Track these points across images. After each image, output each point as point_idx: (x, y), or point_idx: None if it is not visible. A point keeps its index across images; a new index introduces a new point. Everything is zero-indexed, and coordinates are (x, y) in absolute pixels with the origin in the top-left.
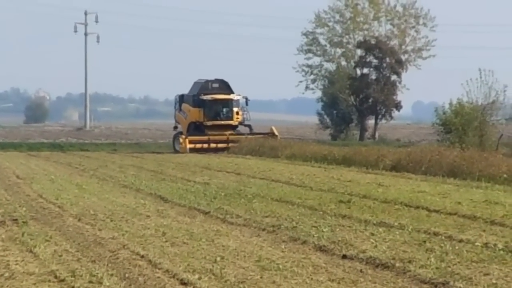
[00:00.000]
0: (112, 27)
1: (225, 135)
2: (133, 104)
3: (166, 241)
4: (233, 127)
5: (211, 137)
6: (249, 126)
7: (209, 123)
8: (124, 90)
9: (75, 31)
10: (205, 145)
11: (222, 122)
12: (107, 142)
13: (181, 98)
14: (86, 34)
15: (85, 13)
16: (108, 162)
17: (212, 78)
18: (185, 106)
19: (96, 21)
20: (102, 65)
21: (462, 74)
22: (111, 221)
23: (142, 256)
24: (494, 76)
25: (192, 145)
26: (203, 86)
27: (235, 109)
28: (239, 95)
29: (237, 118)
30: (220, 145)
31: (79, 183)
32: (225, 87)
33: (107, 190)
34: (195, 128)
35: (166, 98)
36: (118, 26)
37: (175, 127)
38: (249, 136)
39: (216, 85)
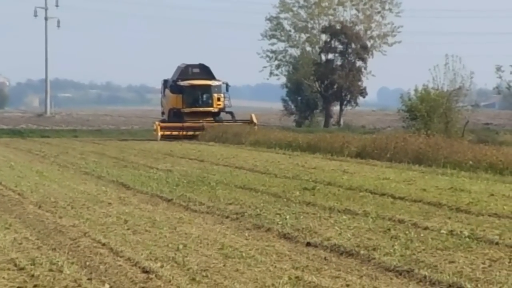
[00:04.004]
0: (73, 11)
1: (200, 122)
2: (95, 90)
3: (128, 229)
4: (213, 114)
5: (185, 125)
6: (231, 113)
7: (187, 110)
8: (86, 76)
9: (35, 16)
10: (179, 132)
11: (201, 109)
12: (68, 128)
13: (165, 83)
14: (46, 19)
15: None
16: (69, 148)
17: (190, 62)
18: (166, 91)
19: (57, 5)
20: (63, 51)
21: (428, 60)
22: (72, 208)
23: (104, 244)
24: (461, 62)
25: (164, 132)
26: (183, 71)
27: (215, 95)
28: (219, 80)
29: (218, 104)
30: (197, 133)
31: (39, 170)
32: (206, 72)
33: (68, 177)
34: (175, 115)
35: (128, 84)
36: (79, 10)
37: (163, 113)
38: (226, 124)
39: (196, 70)
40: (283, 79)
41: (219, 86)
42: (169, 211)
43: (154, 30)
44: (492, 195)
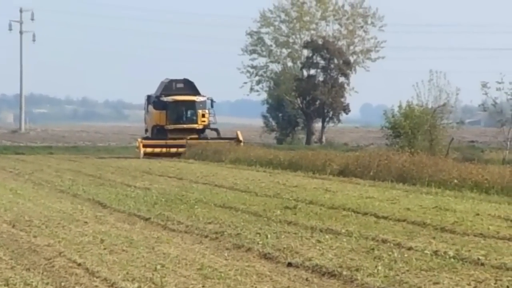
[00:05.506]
0: (48, 26)
1: (185, 139)
2: (71, 105)
3: (105, 249)
4: (198, 131)
5: (168, 142)
6: (216, 130)
7: (171, 126)
8: (61, 91)
9: (10, 29)
10: (163, 150)
11: (185, 126)
12: (43, 145)
13: (148, 99)
14: (21, 33)
15: (21, 11)
16: (44, 166)
17: (174, 77)
18: (150, 107)
19: (32, 19)
20: (38, 65)
21: (412, 76)
22: (47, 227)
23: (79, 264)
24: (446, 78)
25: (147, 150)
26: (167, 86)
27: (200, 112)
28: (204, 96)
29: (203, 121)
30: (180, 150)
31: (13, 188)
32: (190, 87)
33: (43, 195)
34: (158, 132)
35: (105, 100)
36: (54, 24)
37: (146, 130)
38: (211, 141)
39: (180, 85)
40: (264, 95)
41: (203, 102)
42: (146, 230)
43: (132, 45)
44: (478, 214)
